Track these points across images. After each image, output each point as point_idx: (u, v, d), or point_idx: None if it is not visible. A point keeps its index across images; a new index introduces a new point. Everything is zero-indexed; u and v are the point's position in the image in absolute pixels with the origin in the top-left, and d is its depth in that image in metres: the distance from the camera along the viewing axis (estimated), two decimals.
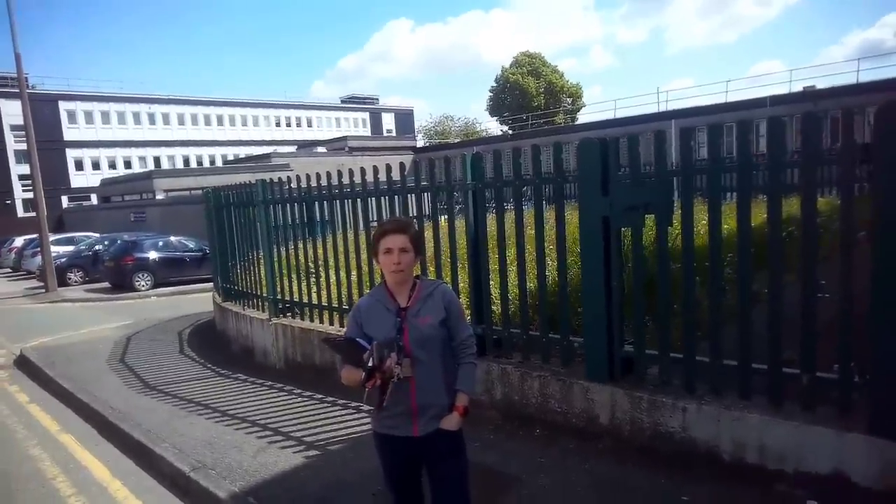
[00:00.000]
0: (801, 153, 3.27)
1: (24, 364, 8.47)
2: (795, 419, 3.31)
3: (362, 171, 5.68)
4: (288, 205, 6.80)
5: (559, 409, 4.30)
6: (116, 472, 4.69)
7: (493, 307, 5.01)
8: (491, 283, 4.94)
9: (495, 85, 57.57)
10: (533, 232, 4.61)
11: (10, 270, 24.45)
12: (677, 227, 3.80)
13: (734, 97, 30.64)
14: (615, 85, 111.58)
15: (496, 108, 57.57)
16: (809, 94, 26.54)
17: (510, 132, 46.04)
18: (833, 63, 64.68)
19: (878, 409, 3.04)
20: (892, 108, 2.88)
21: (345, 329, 2.68)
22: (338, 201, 6.16)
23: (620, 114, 34.84)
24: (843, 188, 3.17)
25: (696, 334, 3.77)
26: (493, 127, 57.39)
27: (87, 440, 5.45)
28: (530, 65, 56.02)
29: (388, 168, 5.49)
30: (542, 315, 4.56)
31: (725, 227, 4.07)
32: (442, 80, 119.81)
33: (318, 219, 6.56)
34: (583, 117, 53.63)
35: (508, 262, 4.88)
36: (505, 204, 4.73)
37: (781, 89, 30.96)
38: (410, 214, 5.22)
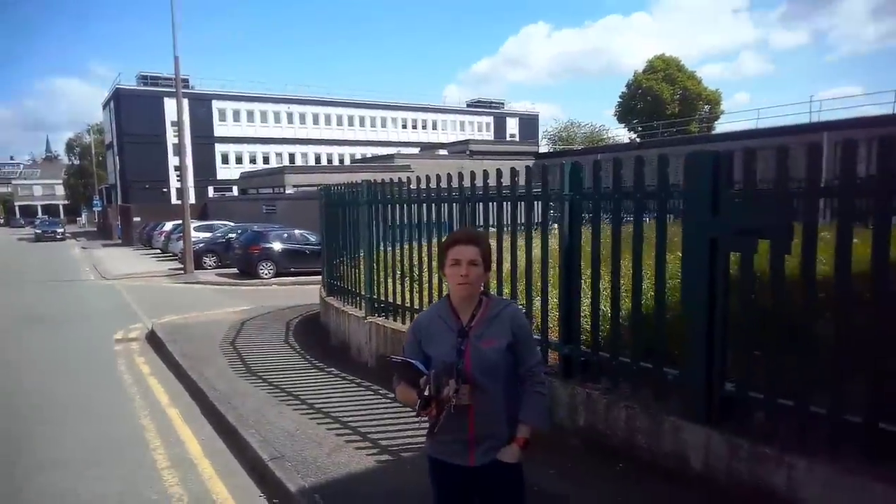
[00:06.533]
0: None
1: (152, 338, 9.32)
2: None
3: (448, 176, 5.64)
4: (388, 206, 6.87)
5: (646, 446, 3.93)
6: (207, 451, 4.96)
7: (584, 327, 4.69)
8: (582, 301, 4.63)
9: (626, 90, 55.48)
10: (631, 249, 4.26)
11: (159, 252, 27.27)
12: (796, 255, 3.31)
13: None
14: (766, 92, 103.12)
15: (625, 114, 55.46)
16: None
17: (638, 140, 44.13)
18: None
19: None
20: None
21: (405, 343, 2.55)
22: (424, 205, 6.22)
23: (764, 123, 31.98)
24: None
25: (812, 381, 3.26)
26: (623, 134, 55.40)
27: (189, 416, 5.84)
28: (665, 70, 53.34)
29: (486, 174, 5.33)
30: (634, 340, 4.19)
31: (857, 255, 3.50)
32: (575, 86, 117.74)
33: (415, 221, 6.56)
34: (721, 126, 50.20)
35: (603, 280, 4.56)
36: (604, 216, 4.41)
37: None
38: (512, 222, 5.06)
